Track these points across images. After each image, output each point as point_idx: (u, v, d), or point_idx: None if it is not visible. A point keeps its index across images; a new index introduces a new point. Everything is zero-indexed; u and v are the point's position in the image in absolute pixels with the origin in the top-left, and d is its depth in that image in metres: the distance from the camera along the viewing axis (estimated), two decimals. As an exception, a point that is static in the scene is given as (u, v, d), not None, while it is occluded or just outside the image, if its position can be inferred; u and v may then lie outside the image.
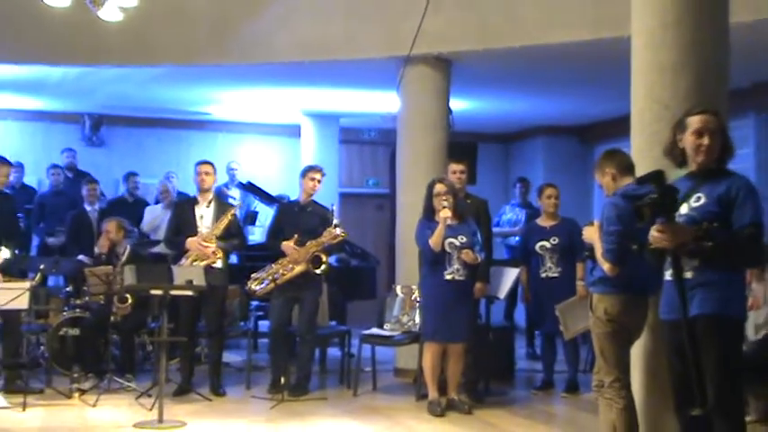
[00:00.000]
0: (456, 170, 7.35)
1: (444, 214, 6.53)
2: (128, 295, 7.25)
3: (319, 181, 7.39)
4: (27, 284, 6.62)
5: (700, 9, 4.85)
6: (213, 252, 7.10)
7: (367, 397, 7.36)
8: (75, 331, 7.43)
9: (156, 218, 9.10)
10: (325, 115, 11.95)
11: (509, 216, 10.48)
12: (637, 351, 4.84)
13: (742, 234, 3.61)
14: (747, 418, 5.83)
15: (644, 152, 4.80)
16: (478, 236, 6.80)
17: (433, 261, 6.67)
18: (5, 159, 7.47)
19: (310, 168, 7.61)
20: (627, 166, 4.84)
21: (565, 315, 7.00)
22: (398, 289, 7.90)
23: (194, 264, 7.00)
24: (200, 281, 6.53)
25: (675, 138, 3.92)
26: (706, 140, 3.78)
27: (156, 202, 9.65)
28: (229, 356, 8.11)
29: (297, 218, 7.34)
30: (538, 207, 8.42)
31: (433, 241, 6.54)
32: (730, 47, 4.98)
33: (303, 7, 8.40)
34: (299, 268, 7.12)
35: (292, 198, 8.26)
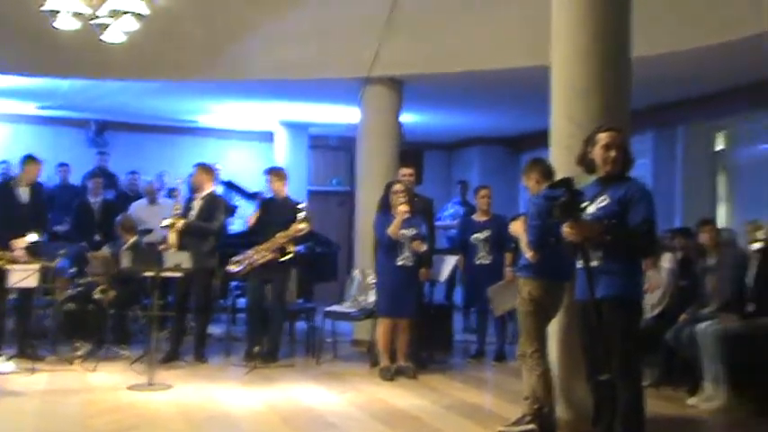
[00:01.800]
0: (406, 173, 7.38)
1: (403, 209, 6.57)
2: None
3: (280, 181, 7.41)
4: (37, 266, 6.50)
5: (608, 41, 4.90)
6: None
7: (328, 364, 7.33)
8: (76, 306, 7.28)
9: (140, 211, 8.94)
10: (296, 125, 11.90)
11: (450, 212, 10.54)
12: (554, 327, 4.89)
13: (637, 230, 3.68)
14: (645, 383, 5.96)
15: (561, 161, 4.84)
16: (424, 229, 6.82)
17: (387, 249, 6.68)
18: (35, 157, 7.30)
19: (274, 169, 7.63)
20: (548, 173, 4.89)
21: (495, 295, 7.06)
22: (356, 272, 7.89)
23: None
24: (187, 264, 6.46)
25: (587, 150, 3.96)
26: (612, 153, 3.84)
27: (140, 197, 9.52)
28: (211, 328, 8.03)
29: (276, 211, 7.29)
30: (474, 205, 8.46)
31: (392, 231, 6.56)
32: (633, 74, 5.05)
33: (280, 33, 8.34)
34: (269, 255, 7.09)
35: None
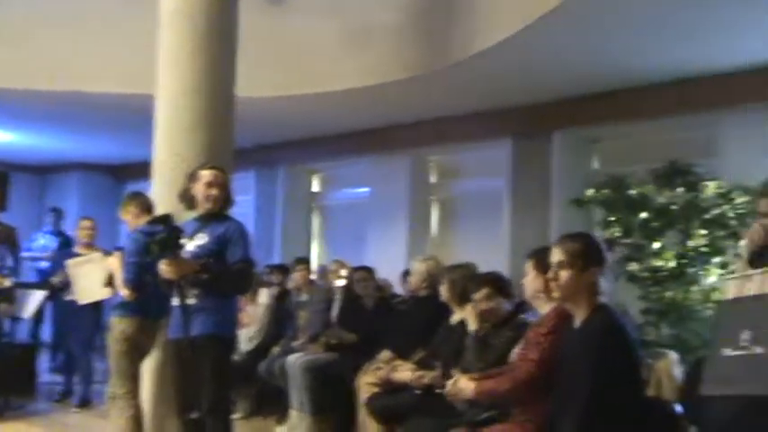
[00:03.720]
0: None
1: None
2: None
3: None
4: None
5: (213, 81, 5.06)
6: None
7: None
8: None
9: None
10: None
11: (41, 242, 9.75)
12: (148, 365, 4.82)
13: (233, 268, 3.83)
14: (236, 416, 6.14)
15: (163, 195, 4.83)
16: (10, 261, 6.23)
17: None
18: None
19: None
20: (146, 207, 4.82)
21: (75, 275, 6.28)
22: None
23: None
24: None
25: (189, 186, 4.02)
26: (214, 191, 3.95)
27: None
28: None
29: None
30: (70, 235, 7.95)
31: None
32: (236, 114, 5.27)
33: None
34: None
35: None
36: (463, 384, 3.36)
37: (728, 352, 2.17)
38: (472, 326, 4.07)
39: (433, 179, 9.30)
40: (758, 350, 2.07)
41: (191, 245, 3.84)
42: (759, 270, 2.20)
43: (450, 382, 3.43)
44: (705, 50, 5.79)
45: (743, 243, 2.38)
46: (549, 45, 5.86)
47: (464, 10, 6.26)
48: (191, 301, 3.73)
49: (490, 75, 6.61)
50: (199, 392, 3.69)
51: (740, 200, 5.28)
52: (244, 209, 8.87)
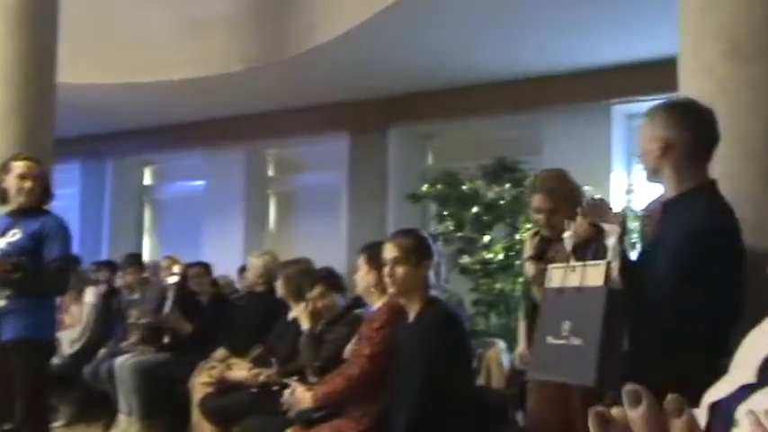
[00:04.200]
0: None
1: None
2: None
3: None
4: None
5: (29, 68, 4.73)
6: None
7: None
8: None
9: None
10: None
11: None
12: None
13: (50, 267, 3.56)
14: (58, 424, 5.78)
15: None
16: None
17: None
18: None
19: None
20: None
21: None
22: None
23: None
24: None
25: (0, 178, 3.71)
26: (27, 184, 3.66)
27: None
28: None
29: None
30: None
31: None
32: (57, 102, 4.94)
33: None
34: None
35: None
36: (300, 395, 3.34)
37: (551, 339, 2.25)
38: (305, 324, 4.05)
39: (270, 173, 9.19)
40: (576, 341, 2.17)
41: (2, 242, 3.54)
42: (581, 263, 2.29)
43: (286, 393, 3.41)
44: (532, 52, 6.08)
45: (567, 235, 2.48)
46: (386, 41, 5.93)
47: (302, 3, 6.21)
48: (1, 302, 3.44)
49: (327, 69, 6.61)
50: (12, 401, 3.41)
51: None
52: (67, 202, 8.36)
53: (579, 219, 2.45)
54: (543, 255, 3.10)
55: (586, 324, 2.17)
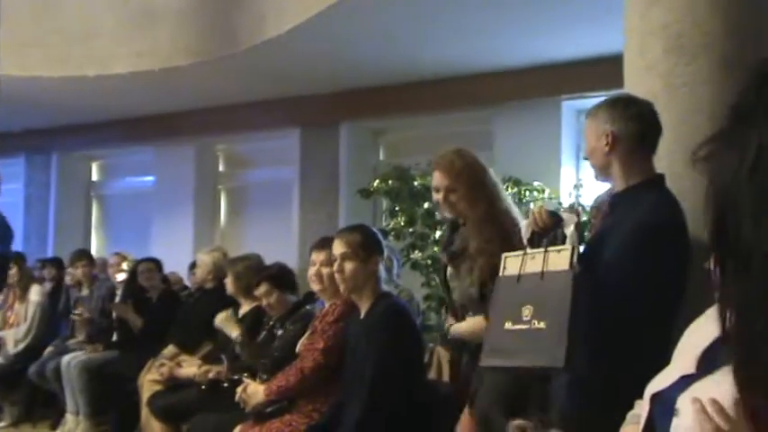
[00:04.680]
0: None
1: None
2: None
3: None
4: None
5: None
6: None
7: None
8: None
9: None
10: None
11: None
12: None
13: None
14: (3, 424, 5.66)
15: None
16: None
17: None
18: None
19: None
20: None
21: None
22: None
23: None
24: None
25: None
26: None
27: None
28: None
29: None
30: None
31: None
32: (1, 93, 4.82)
33: None
34: None
35: None
36: (252, 389, 3.34)
37: (509, 325, 2.26)
38: (232, 332, 4.06)
39: (221, 168, 9.09)
40: (539, 325, 2.18)
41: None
42: (540, 249, 2.31)
43: (239, 390, 3.40)
44: (483, 48, 6.11)
45: (525, 223, 2.50)
46: (337, 35, 5.90)
47: (252, -4, 6.14)
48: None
49: (278, 63, 6.55)
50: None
51: (511, 190, 5.63)
52: (12, 198, 8.16)
53: (539, 207, 2.47)
54: (450, 245, 2.97)
55: (551, 307, 2.18)
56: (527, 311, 2.23)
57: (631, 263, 2.24)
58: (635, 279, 2.23)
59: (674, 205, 2.32)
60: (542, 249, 2.31)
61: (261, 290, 4.01)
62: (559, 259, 2.25)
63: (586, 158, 2.51)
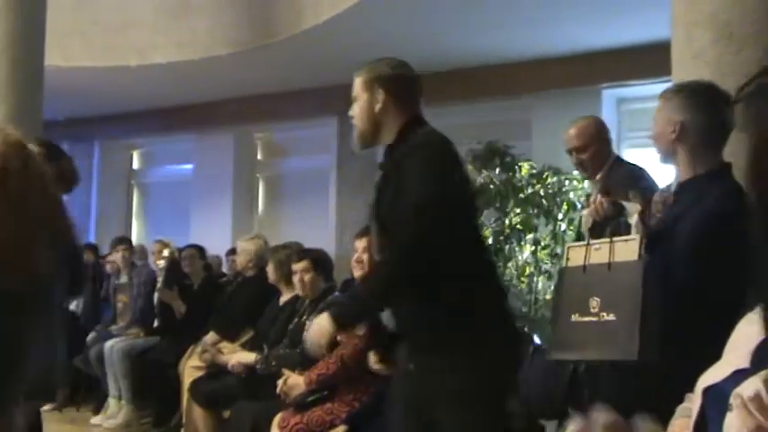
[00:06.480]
0: None
1: None
2: None
3: None
4: None
5: (16, 51, 4.69)
6: None
7: None
8: None
9: None
10: None
11: None
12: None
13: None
14: (48, 407, 5.75)
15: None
16: None
17: None
18: None
19: None
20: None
21: None
22: None
23: None
24: None
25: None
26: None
27: None
28: None
29: None
30: None
31: None
32: (45, 85, 4.90)
33: None
34: None
35: None
36: (293, 381, 3.36)
37: (577, 318, 2.22)
38: None
39: (259, 156, 9.14)
40: (608, 317, 2.14)
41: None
42: (605, 240, 2.26)
43: (280, 383, 3.43)
44: (524, 36, 6.05)
45: (585, 213, 2.45)
46: (375, 25, 5.89)
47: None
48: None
49: (315, 53, 6.56)
50: None
51: (551, 180, 5.57)
52: (55, 186, 8.28)
53: (600, 197, 2.43)
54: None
55: (620, 299, 2.13)
56: (594, 303, 2.18)
57: (702, 252, 2.18)
58: (706, 268, 2.17)
59: (742, 195, 2.26)
60: (607, 240, 2.26)
61: (300, 265, 4.00)
62: (627, 249, 2.17)
63: (653, 140, 2.44)
